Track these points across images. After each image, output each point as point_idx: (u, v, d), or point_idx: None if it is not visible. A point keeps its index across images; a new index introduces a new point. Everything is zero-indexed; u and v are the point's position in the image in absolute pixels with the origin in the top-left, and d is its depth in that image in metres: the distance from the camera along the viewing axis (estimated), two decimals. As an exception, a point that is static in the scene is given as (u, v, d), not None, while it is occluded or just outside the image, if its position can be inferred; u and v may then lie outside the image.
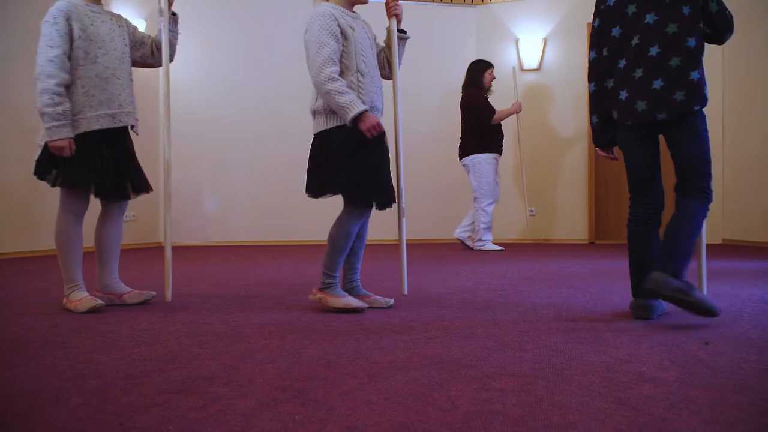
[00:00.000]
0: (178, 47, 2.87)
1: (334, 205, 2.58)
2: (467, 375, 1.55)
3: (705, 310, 2.11)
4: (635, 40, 2.30)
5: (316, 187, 2.52)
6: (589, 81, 2.47)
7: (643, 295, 2.32)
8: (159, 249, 6.26)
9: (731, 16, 2.30)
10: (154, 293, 2.80)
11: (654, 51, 2.25)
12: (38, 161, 2.56)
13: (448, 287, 3.20)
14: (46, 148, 2.51)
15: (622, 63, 2.34)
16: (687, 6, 2.24)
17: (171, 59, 2.83)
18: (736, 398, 1.36)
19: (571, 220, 6.69)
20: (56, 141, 2.45)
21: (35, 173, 2.60)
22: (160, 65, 2.85)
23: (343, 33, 2.45)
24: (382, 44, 2.72)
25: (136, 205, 2.85)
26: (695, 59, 2.23)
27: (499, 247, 5.58)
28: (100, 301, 2.57)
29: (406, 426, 1.20)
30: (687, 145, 2.28)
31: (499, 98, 5.78)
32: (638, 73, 2.28)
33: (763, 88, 5.84)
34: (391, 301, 2.62)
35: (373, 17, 2.62)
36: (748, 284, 3.18)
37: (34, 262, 4.74)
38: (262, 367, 1.64)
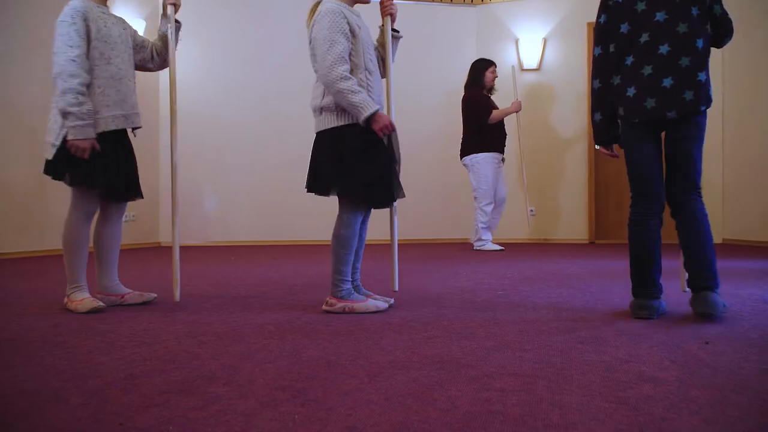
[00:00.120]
0: (178, 47, 2.88)
1: (334, 204, 2.58)
2: (467, 375, 1.55)
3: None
4: (644, 38, 2.29)
5: (322, 185, 2.48)
6: (594, 77, 2.44)
7: (644, 295, 2.32)
8: (158, 249, 6.26)
9: (731, 21, 2.34)
10: (155, 295, 2.80)
11: (664, 49, 2.25)
12: (53, 161, 2.53)
13: (448, 287, 3.20)
14: (62, 148, 2.50)
15: (629, 60, 2.32)
16: (696, 7, 2.26)
17: (167, 65, 2.86)
18: (736, 398, 1.35)
19: (571, 220, 6.69)
20: (80, 140, 2.46)
21: (48, 173, 2.58)
22: (158, 69, 2.89)
23: (351, 31, 2.43)
24: (375, 43, 2.72)
25: (135, 205, 2.86)
26: (703, 60, 2.26)
27: (499, 247, 5.58)
28: (101, 303, 2.57)
29: (406, 426, 1.20)
30: (689, 145, 2.30)
31: (498, 97, 5.78)
32: (647, 70, 2.27)
33: (763, 88, 5.84)
34: (392, 301, 2.62)
35: (366, 16, 2.62)
36: (748, 284, 3.18)
37: (34, 262, 4.74)
38: (262, 367, 1.64)
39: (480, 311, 2.48)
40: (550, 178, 6.70)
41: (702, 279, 2.26)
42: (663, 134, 2.39)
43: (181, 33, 2.85)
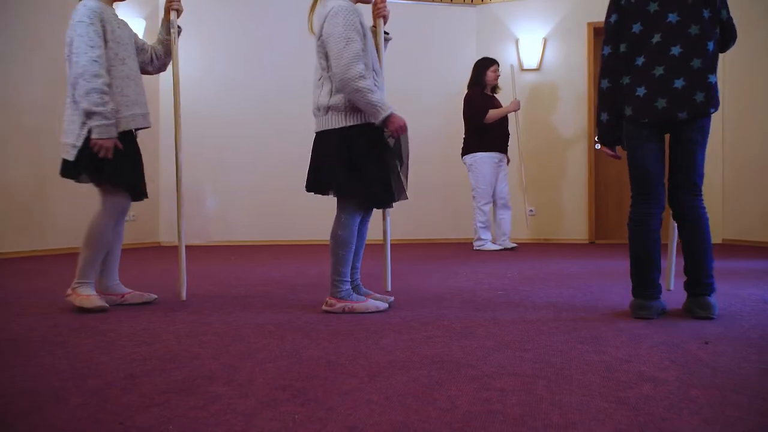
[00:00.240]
0: (176, 41, 2.89)
1: (334, 204, 2.58)
2: (467, 375, 1.55)
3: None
4: (656, 38, 2.28)
5: (327, 184, 2.46)
6: (603, 77, 2.42)
7: (644, 296, 2.33)
8: (158, 249, 6.26)
9: (735, 27, 2.36)
10: (156, 296, 2.80)
11: (676, 51, 2.25)
12: (75, 162, 2.55)
13: (448, 287, 3.20)
14: (84, 148, 2.52)
15: (640, 60, 2.32)
16: (707, 10, 2.26)
17: (164, 68, 2.89)
18: (736, 398, 1.35)
19: (571, 220, 6.69)
20: (104, 140, 2.49)
21: (69, 175, 2.61)
22: (155, 73, 2.91)
23: (362, 30, 2.42)
24: None
25: (135, 205, 2.86)
26: (714, 62, 2.27)
27: (499, 246, 5.57)
28: (107, 304, 2.58)
29: (406, 425, 1.20)
30: (694, 147, 2.32)
31: (499, 97, 5.76)
32: (658, 71, 2.27)
33: (763, 88, 5.84)
34: (391, 299, 2.63)
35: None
36: (748, 284, 3.18)
37: (34, 262, 4.74)
38: (262, 367, 1.64)
39: (480, 311, 2.48)
40: (550, 178, 6.70)
41: (702, 286, 2.31)
42: (666, 136, 2.40)
43: (179, 38, 2.86)
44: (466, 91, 5.71)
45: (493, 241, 5.69)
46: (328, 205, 2.70)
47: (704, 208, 2.35)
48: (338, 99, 2.41)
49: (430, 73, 6.85)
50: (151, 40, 2.94)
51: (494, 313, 2.44)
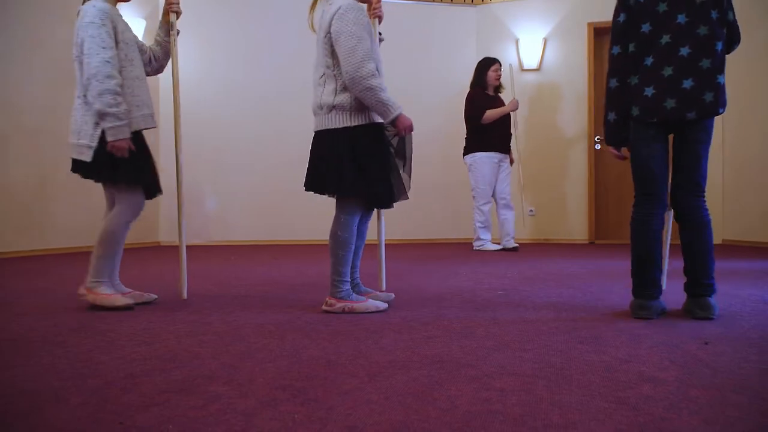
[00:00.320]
0: (176, 43, 2.90)
1: (333, 204, 2.58)
2: (467, 374, 1.55)
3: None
4: (665, 39, 2.28)
5: (330, 184, 2.43)
6: (611, 77, 2.42)
7: (644, 296, 2.33)
8: (158, 249, 6.26)
9: (739, 29, 2.37)
10: (156, 296, 2.80)
11: (685, 51, 2.25)
12: (93, 163, 2.54)
13: (448, 287, 3.20)
14: (99, 149, 2.53)
15: (649, 60, 2.32)
16: (715, 11, 2.27)
17: (162, 70, 2.90)
18: (736, 398, 1.35)
19: (571, 220, 6.69)
20: (120, 141, 2.51)
21: (88, 175, 2.61)
22: (153, 74, 2.92)
23: (369, 29, 2.42)
24: None
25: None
26: (722, 63, 2.28)
27: (498, 246, 5.57)
28: (132, 301, 2.61)
29: (406, 425, 1.20)
30: (699, 148, 2.33)
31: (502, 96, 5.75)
32: (667, 71, 2.27)
33: (763, 88, 5.84)
34: (392, 296, 2.64)
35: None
36: (748, 284, 3.18)
37: (34, 262, 4.74)
38: (262, 367, 1.64)
39: (480, 311, 2.48)
40: (550, 178, 6.70)
41: (702, 287, 2.31)
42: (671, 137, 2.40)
43: (177, 39, 2.88)
44: (467, 91, 5.69)
45: (497, 242, 5.69)
46: (327, 205, 2.70)
47: (707, 209, 2.36)
48: (344, 98, 2.40)
49: (430, 73, 6.85)
50: (150, 41, 2.94)
51: (494, 313, 2.44)
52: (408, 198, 2.61)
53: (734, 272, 3.69)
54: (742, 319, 2.25)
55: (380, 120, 2.49)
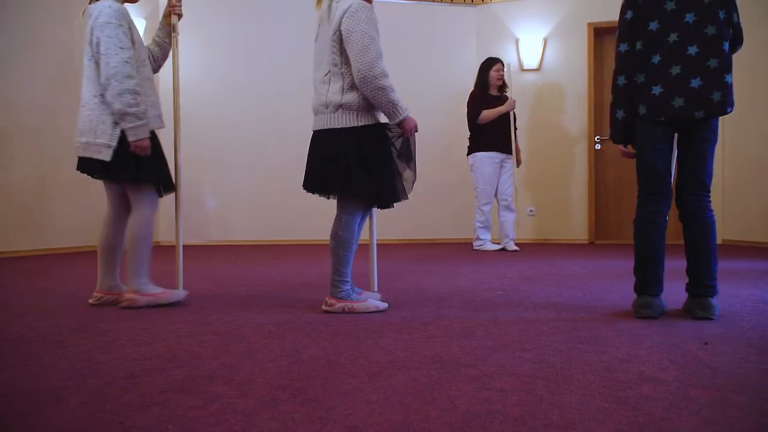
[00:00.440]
0: (178, 44, 2.90)
1: (334, 204, 2.58)
2: (467, 374, 1.55)
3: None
4: (673, 37, 2.28)
5: (336, 184, 2.41)
6: (619, 74, 2.41)
7: (649, 293, 2.33)
8: (158, 248, 6.25)
9: (742, 31, 2.37)
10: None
11: (693, 50, 2.26)
12: (112, 162, 2.55)
13: (448, 287, 3.20)
14: (119, 148, 2.54)
15: (656, 58, 2.31)
16: (722, 11, 2.27)
17: (158, 70, 2.92)
18: (736, 398, 1.35)
19: (571, 220, 6.69)
20: (141, 140, 2.54)
21: (107, 175, 2.62)
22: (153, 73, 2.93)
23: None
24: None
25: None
26: (729, 63, 2.28)
27: (498, 246, 5.57)
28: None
29: (405, 425, 1.20)
30: (706, 147, 2.33)
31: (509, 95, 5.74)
32: (675, 70, 2.27)
33: (763, 88, 5.84)
34: (378, 296, 2.67)
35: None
36: (748, 284, 3.18)
37: (34, 261, 4.74)
38: (262, 367, 1.64)
39: (480, 311, 2.48)
40: (550, 178, 6.70)
41: (704, 287, 2.31)
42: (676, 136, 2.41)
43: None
44: (465, 92, 5.69)
45: (497, 242, 5.69)
46: (327, 205, 2.70)
47: (712, 210, 2.36)
48: (352, 97, 2.39)
49: (430, 73, 6.84)
50: (149, 41, 2.94)
51: (494, 313, 2.44)
52: (407, 198, 2.61)
53: (734, 272, 3.69)
54: (742, 319, 2.25)
55: (384, 120, 2.49)
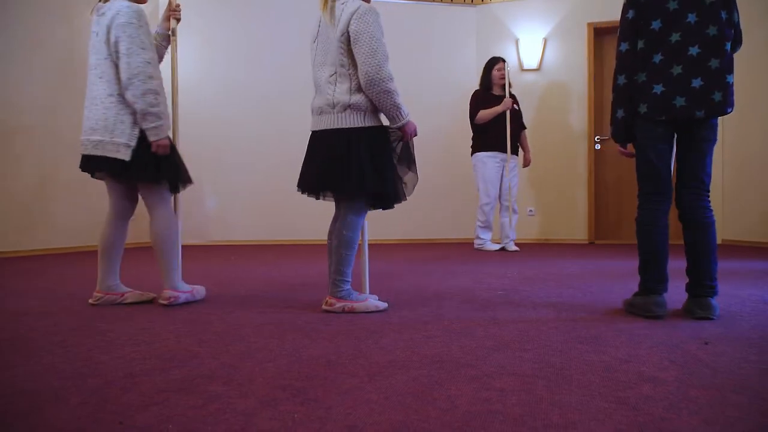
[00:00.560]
0: (178, 47, 2.92)
1: (333, 204, 2.58)
2: (467, 374, 1.55)
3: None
4: (675, 37, 2.29)
5: (345, 185, 2.40)
6: (619, 73, 2.41)
7: (656, 291, 2.33)
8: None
9: (741, 32, 2.38)
10: (155, 295, 2.80)
11: (694, 51, 2.26)
12: (132, 162, 2.56)
13: (448, 287, 3.20)
14: (138, 148, 2.56)
15: (657, 57, 2.32)
16: (724, 11, 2.28)
17: None
18: (736, 398, 1.35)
19: (571, 220, 6.69)
20: (163, 140, 2.57)
21: (128, 175, 2.62)
22: None
23: None
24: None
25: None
26: (731, 63, 2.28)
27: (498, 246, 5.57)
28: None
29: (405, 425, 1.20)
30: (706, 146, 2.34)
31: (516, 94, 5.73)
32: (677, 70, 2.28)
33: (763, 87, 5.84)
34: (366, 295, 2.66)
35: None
36: (748, 284, 3.18)
37: (34, 261, 4.74)
38: (262, 366, 1.64)
39: (480, 311, 2.48)
40: (550, 178, 6.70)
41: (704, 288, 2.31)
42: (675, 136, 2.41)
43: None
44: (465, 91, 5.68)
45: (498, 242, 5.69)
46: (328, 205, 2.70)
47: (711, 210, 2.36)
48: (360, 98, 2.39)
49: (430, 73, 6.84)
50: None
51: (494, 312, 2.44)
52: (406, 199, 2.61)
53: (734, 272, 3.69)
54: (742, 319, 2.25)
55: (386, 123, 2.51)
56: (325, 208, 3.18)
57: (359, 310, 2.45)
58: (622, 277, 3.46)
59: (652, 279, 2.35)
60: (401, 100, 2.40)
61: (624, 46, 2.39)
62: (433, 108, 6.68)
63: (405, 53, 6.45)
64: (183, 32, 2.98)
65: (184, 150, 2.95)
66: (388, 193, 2.47)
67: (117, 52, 2.52)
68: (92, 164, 2.63)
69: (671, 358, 1.70)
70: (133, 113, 2.55)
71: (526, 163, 5.67)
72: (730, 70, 2.27)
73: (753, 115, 5.92)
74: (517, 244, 5.75)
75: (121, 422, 1.23)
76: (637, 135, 2.41)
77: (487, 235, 5.58)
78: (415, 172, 2.60)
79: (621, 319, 2.29)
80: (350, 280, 2.51)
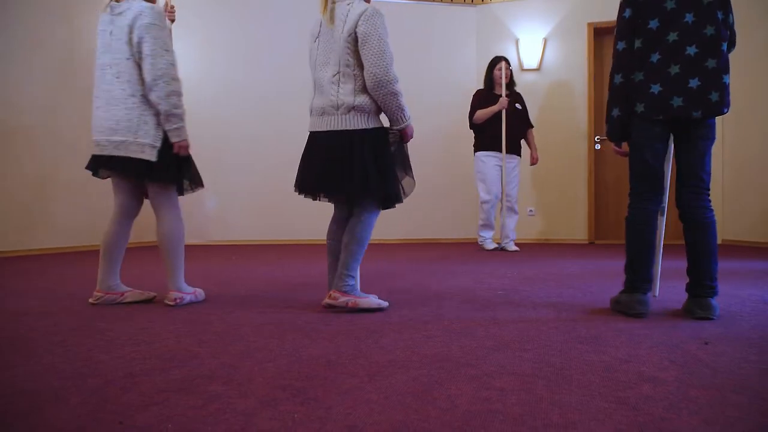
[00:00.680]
0: (177, 47, 2.91)
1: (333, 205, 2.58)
2: (467, 374, 1.55)
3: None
4: (673, 37, 2.29)
5: (354, 186, 2.39)
6: (616, 72, 2.41)
7: (641, 290, 2.34)
8: (157, 248, 6.25)
9: (735, 33, 2.38)
10: (155, 294, 2.81)
11: (692, 51, 2.26)
12: (158, 162, 2.58)
13: (448, 287, 3.20)
14: (163, 149, 2.58)
15: (655, 57, 2.32)
16: (721, 12, 2.28)
17: None
18: (736, 398, 1.35)
19: (571, 220, 6.69)
20: (184, 141, 2.61)
21: (154, 176, 2.63)
22: None
23: None
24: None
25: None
26: (727, 63, 2.28)
27: (495, 245, 5.55)
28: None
29: (405, 425, 1.20)
30: (705, 143, 2.34)
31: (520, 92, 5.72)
32: (674, 69, 2.28)
33: (763, 88, 5.84)
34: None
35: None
36: (748, 284, 3.18)
37: (34, 261, 4.74)
38: (262, 366, 1.64)
39: (480, 311, 2.48)
40: (550, 178, 6.70)
41: (704, 288, 2.31)
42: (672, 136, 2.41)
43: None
44: (465, 91, 5.68)
45: (498, 241, 5.69)
46: (327, 205, 2.70)
47: (712, 210, 2.36)
48: (364, 99, 2.41)
49: (430, 73, 6.84)
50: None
51: (494, 312, 2.44)
52: (402, 201, 2.63)
53: (734, 272, 3.69)
54: (742, 319, 2.25)
55: (386, 124, 2.52)
56: (325, 208, 3.19)
57: (362, 306, 2.45)
58: (622, 277, 3.45)
59: (639, 278, 2.36)
60: (405, 102, 2.43)
61: (621, 45, 2.39)
62: (433, 108, 6.68)
63: (405, 53, 6.43)
64: (182, 33, 2.99)
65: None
66: (390, 194, 2.49)
67: (140, 52, 2.53)
68: (114, 164, 2.60)
69: (671, 358, 1.70)
70: (156, 114, 2.57)
71: (533, 162, 5.66)
72: (727, 71, 2.27)
73: (753, 115, 5.92)
74: (517, 244, 5.75)
75: (121, 422, 1.23)
76: (633, 134, 2.41)
77: (486, 234, 5.58)
78: (412, 176, 2.61)
79: (621, 319, 2.29)
80: (356, 276, 2.52)
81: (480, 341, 1.93)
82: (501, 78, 5.48)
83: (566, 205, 6.70)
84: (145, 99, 2.56)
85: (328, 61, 2.44)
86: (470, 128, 5.56)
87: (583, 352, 1.77)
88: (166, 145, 2.60)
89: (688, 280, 2.37)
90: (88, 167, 2.70)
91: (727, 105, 2.28)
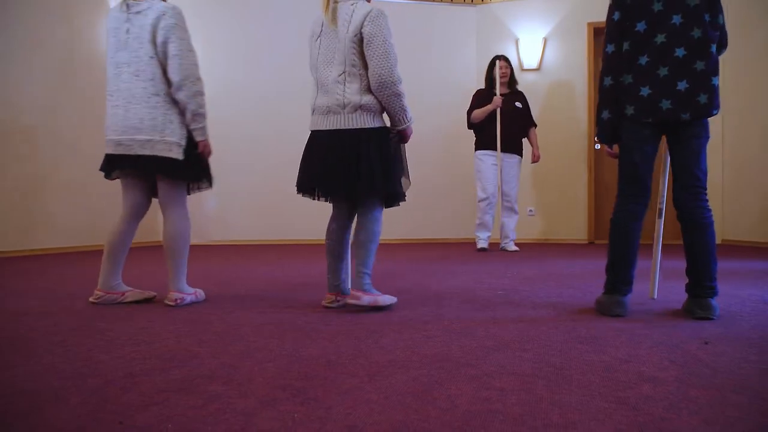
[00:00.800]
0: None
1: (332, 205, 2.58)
2: (467, 374, 1.55)
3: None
4: (660, 39, 2.29)
5: (362, 185, 2.40)
6: (605, 75, 2.42)
7: (621, 292, 2.35)
8: (158, 248, 6.25)
9: (727, 34, 2.38)
10: (155, 293, 2.81)
11: (680, 53, 2.26)
12: (185, 161, 2.61)
13: (448, 287, 3.20)
14: (188, 148, 2.62)
15: (643, 59, 2.32)
16: (708, 14, 2.28)
17: None
18: (736, 398, 1.35)
19: (571, 220, 6.69)
20: (206, 139, 2.66)
21: (185, 175, 2.66)
22: None
23: None
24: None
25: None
26: (716, 65, 2.28)
27: (485, 245, 5.51)
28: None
29: (405, 425, 1.20)
30: (698, 143, 2.33)
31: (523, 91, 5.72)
32: (663, 71, 2.28)
33: (763, 88, 5.84)
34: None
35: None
36: (748, 284, 3.18)
37: (34, 261, 4.74)
38: (262, 366, 1.64)
39: (480, 311, 2.48)
40: (550, 178, 6.70)
41: (704, 289, 2.31)
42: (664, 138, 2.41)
43: None
44: (465, 91, 5.69)
45: (496, 242, 5.70)
46: (327, 205, 2.70)
47: (710, 210, 2.36)
48: (370, 99, 2.42)
49: (430, 73, 6.85)
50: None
51: (494, 312, 2.44)
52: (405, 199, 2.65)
53: (734, 272, 3.69)
54: (742, 319, 2.25)
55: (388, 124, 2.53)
56: (325, 208, 3.18)
57: (382, 304, 2.48)
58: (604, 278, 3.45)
59: (619, 280, 2.37)
60: (407, 103, 2.46)
61: (610, 48, 2.40)
62: (433, 108, 6.68)
63: (405, 53, 6.39)
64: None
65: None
66: (393, 193, 2.52)
67: (165, 52, 2.54)
68: (142, 163, 2.59)
69: (671, 358, 1.70)
70: (179, 113, 2.59)
71: (534, 159, 5.65)
72: (716, 72, 2.27)
73: (753, 115, 5.92)
74: (517, 244, 5.75)
75: (121, 422, 1.23)
76: (623, 136, 2.41)
77: (481, 234, 5.55)
78: (408, 177, 2.65)
79: (621, 319, 2.29)
80: (371, 272, 2.55)
81: (480, 341, 1.93)
82: (500, 76, 5.48)
83: (566, 205, 6.70)
84: (169, 98, 2.58)
85: (332, 60, 2.45)
86: (468, 128, 5.57)
87: (583, 352, 1.77)
88: (191, 144, 2.63)
89: (687, 281, 2.37)
90: (102, 168, 2.69)
91: (717, 107, 2.27)
